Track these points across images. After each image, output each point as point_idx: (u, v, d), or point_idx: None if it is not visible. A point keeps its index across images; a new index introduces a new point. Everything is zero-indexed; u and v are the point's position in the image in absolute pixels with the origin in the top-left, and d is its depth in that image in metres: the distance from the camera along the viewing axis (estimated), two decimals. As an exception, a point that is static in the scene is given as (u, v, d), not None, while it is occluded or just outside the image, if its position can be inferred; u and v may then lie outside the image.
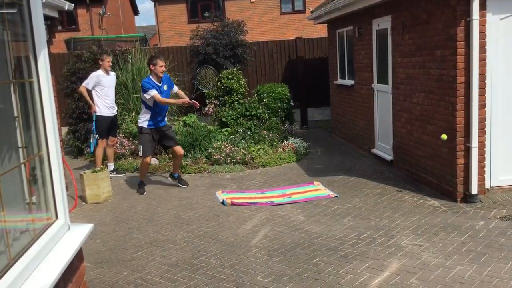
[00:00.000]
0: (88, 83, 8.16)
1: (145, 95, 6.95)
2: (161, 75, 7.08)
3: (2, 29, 2.55)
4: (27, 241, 2.43)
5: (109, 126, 8.34)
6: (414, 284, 4.05)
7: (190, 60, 12.51)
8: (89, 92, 8.18)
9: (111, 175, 8.25)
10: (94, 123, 8.32)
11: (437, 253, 4.64)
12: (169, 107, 8.16)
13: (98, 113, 8.19)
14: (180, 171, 7.88)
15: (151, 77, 7.08)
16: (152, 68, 7.04)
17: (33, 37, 2.65)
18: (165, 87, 7.18)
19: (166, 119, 7.43)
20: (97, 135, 8.37)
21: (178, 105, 11.07)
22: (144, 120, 7.13)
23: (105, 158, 8.58)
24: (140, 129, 7.19)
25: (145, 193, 7.35)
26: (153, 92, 6.90)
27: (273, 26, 22.86)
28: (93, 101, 8.20)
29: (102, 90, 8.15)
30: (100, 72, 8.22)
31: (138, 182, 7.54)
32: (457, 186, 6.07)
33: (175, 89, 7.57)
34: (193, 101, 7.16)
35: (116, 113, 8.50)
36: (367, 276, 4.24)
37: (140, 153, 7.29)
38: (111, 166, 8.52)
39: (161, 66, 7.02)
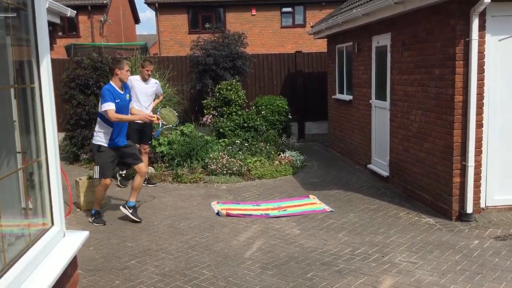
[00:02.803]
0: None
1: (103, 105, 5.90)
2: (126, 81, 6.16)
3: (6, 34, 2.56)
4: (22, 247, 2.42)
5: (138, 133, 8.03)
6: (407, 301, 4.04)
7: (189, 70, 12.54)
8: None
9: (149, 185, 8.25)
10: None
11: (432, 271, 4.64)
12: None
13: None
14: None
15: (112, 83, 6.05)
16: (118, 73, 6.00)
17: (37, 42, 2.66)
18: (127, 97, 6.22)
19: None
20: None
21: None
22: (102, 137, 6.06)
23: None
24: (98, 147, 6.09)
25: (105, 224, 6.28)
26: (109, 106, 5.87)
27: (273, 39, 23.01)
28: None
29: (134, 96, 7.69)
30: (137, 77, 7.99)
31: (93, 212, 6.37)
32: (452, 205, 6.09)
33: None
34: (152, 117, 6.51)
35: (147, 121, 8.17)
36: (360, 292, 4.23)
37: (96, 175, 6.31)
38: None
39: (128, 70, 6.09)
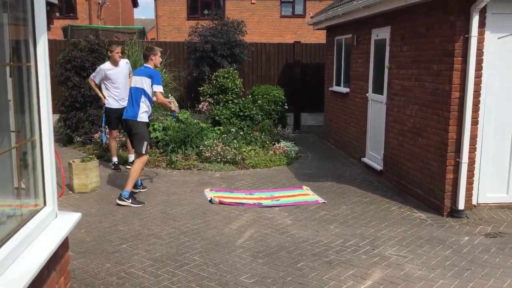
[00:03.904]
0: (94, 76, 8.06)
1: (156, 86, 6.41)
2: (158, 66, 6.76)
3: (3, 12, 2.53)
4: (13, 226, 2.41)
5: (119, 118, 8.00)
6: (396, 294, 4.07)
7: (187, 57, 12.47)
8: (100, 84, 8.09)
9: (128, 167, 8.17)
10: (103, 115, 8.23)
11: (421, 265, 4.67)
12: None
13: (106, 105, 8.05)
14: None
15: (149, 66, 6.55)
16: (153, 58, 6.56)
17: (34, 22, 2.63)
18: None
19: None
20: (107, 127, 8.30)
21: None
22: (145, 114, 6.53)
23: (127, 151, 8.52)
24: (147, 124, 6.65)
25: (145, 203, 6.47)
26: (161, 89, 6.49)
27: (272, 28, 22.89)
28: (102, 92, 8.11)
29: (110, 83, 7.94)
30: (107, 65, 7.98)
31: (127, 193, 6.37)
32: (444, 200, 6.12)
33: None
34: (170, 102, 6.90)
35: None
36: (350, 283, 4.25)
37: (143, 151, 6.43)
38: (131, 157, 8.36)
39: (160, 56, 6.66)
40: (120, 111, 8.02)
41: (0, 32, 2.50)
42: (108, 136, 8.47)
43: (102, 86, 8.05)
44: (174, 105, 7.12)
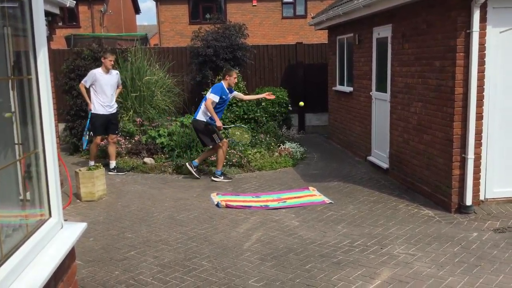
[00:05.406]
0: (86, 80, 8.26)
1: (209, 93, 7.76)
2: (233, 86, 8.10)
3: (2, 25, 2.55)
4: (19, 239, 2.42)
5: (105, 124, 8.34)
6: (405, 293, 4.05)
7: (190, 61, 12.49)
8: (88, 89, 8.26)
9: (111, 173, 8.29)
10: (88, 121, 8.38)
11: (430, 263, 4.65)
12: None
13: (92, 111, 8.25)
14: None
15: (223, 83, 7.88)
16: (228, 78, 7.89)
17: (34, 34, 2.65)
18: (230, 96, 8.15)
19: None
20: (91, 132, 8.42)
21: (175, 106, 11.22)
22: (205, 116, 7.77)
23: (106, 156, 8.67)
24: (207, 123, 7.76)
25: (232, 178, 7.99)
26: (212, 97, 7.67)
27: (274, 30, 22.90)
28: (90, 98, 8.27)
29: (99, 88, 8.17)
30: (99, 70, 8.24)
31: (219, 172, 7.95)
32: (451, 197, 6.09)
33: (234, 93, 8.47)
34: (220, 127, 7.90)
35: (114, 111, 8.46)
36: (359, 283, 4.25)
37: (218, 141, 7.75)
38: (112, 163, 8.50)
39: (235, 78, 8.03)
40: (106, 117, 8.25)
41: (2, 46, 2.52)
42: (98, 142, 8.52)
43: (91, 91, 8.26)
44: (239, 135, 8.45)
